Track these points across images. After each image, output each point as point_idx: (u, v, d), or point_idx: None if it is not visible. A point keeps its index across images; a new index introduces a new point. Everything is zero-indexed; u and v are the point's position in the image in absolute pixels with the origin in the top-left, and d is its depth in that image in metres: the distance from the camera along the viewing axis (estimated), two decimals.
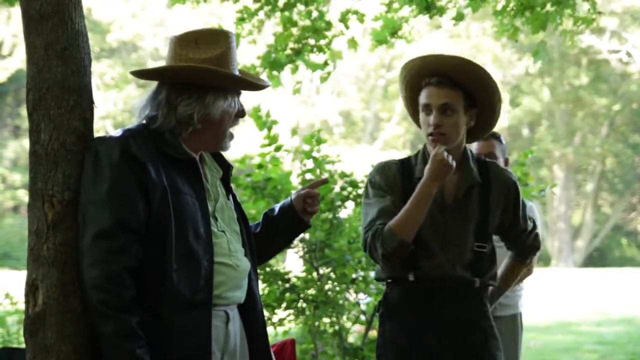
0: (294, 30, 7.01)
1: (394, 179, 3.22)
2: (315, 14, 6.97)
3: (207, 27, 2.70)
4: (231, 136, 2.67)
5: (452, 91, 3.10)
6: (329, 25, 7.00)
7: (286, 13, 6.96)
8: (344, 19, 7.03)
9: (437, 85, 3.11)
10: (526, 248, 3.45)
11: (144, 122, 2.57)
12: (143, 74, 2.67)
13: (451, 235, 3.16)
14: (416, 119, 3.27)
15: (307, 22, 7.00)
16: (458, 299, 3.16)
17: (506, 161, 4.81)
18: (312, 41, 7.04)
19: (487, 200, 3.21)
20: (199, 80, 2.53)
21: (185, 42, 2.57)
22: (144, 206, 2.39)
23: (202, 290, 2.46)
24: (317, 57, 7.12)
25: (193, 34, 2.59)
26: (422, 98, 3.16)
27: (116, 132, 2.51)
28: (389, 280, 3.25)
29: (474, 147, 4.75)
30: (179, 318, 2.40)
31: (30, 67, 2.49)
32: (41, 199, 2.42)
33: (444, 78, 3.10)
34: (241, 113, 2.66)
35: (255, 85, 2.69)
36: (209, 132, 2.59)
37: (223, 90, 2.57)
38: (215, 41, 2.57)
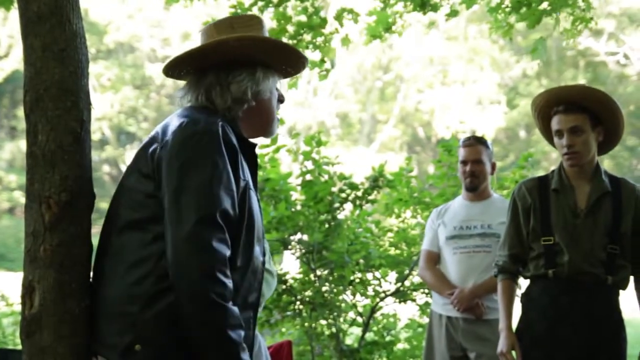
0: (289, 27, 7.02)
1: (530, 190, 3.73)
2: (310, 10, 6.98)
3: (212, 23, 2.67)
4: (277, 120, 2.67)
5: (578, 114, 3.56)
6: (324, 21, 7.00)
7: (280, 9, 6.97)
8: (339, 17, 7.04)
9: (564, 112, 3.58)
10: None
11: (205, 107, 2.49)
12: (184, 60, 2.52)
13: (583, 237, 3.56)
14: (552, 143, 3.74)
15: (303, 18, 7.01)
16: (591, 293, 3.54)
17: (493, 165, 4.81)
18: (307, 37, 7.04)
19: (618, 206, 3.61)
20: (248, 55, 2.50)
21: (222, 27, 2.57)
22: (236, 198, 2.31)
23: (255, 292, 2.41)
24: (313, 55, 7.12)
25: (228, 20, 2.61)
26: (554, 125, 3.63)
27: (207, 116, 2.38)
28: (532, 277, 3.69)
29: (460, 153, 4.76)
30: None
31: (27, 68, 2.48)
32: (38, 200, 2.41)
33: (569, 105, 3.57)
34: (282, 97, 2.67)
35: (298, 59, 2.65)
36: (260, 112, 2.56)
37: (269, 68, 2.56)
38: (250, 24, 2.58)
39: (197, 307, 2.16)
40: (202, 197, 2.21)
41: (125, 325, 2.23)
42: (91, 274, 2.45)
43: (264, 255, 2.48)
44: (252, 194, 2.41)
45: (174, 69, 2.59)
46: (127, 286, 2.26)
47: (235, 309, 2.20)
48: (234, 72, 2.50)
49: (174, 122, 2.38)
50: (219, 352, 2.17)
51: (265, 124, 2.62)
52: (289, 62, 2.65)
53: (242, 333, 2.21)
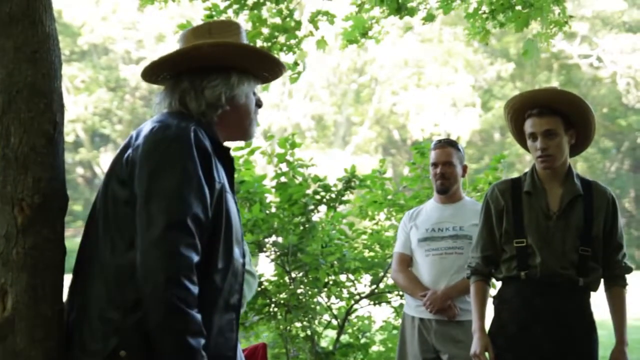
0: (264, 30, 7.01)
1: (503, 193, 3.75)
2: (285, 12, 6.98)
3: (189, 26, 2.68)
4: (257, 123, 2.67)
5: (552, 118, 3.58)
6: (298, 24, 7.01)
7: (255, 11, 6.97)
8: (313, 20, 7.04)
9: (538, 115, 3.60)
10: (621, 269, 3.72)
11: (180, 112, 2.48)
12: (159, 66, 2.53)
13: (555, 239, 3.59)
14: (524, 146, 3.77)
15: (277, 20, 7.01)
16: (563, 294, 3.57)
17: (464, 168, 4.84)
18: (281, 39, 7.04)
19: (590, 208, 3.65)
20: (223, 61, 2.51)
21: (199, 32, 2.58)
22: (209, 202, 2.31)
23: (236, 294, 2.43)
24: (287, 57, 7.12)
25: (206, 25, 2.62)
26: (527, 128, 3.66)
27: (180, 122, 2.38)
28: (505, 279, 3.72)
29: (431, 156, 4.79)
30: (216, 319, 2.33)
31: None
32: (11, 203, 2.39)
33: (543, 108, 3.59)
34: (260, 102, 2.67)
35: (275, 65, 2.65)
36: (236, 116, 2.57)
37: (245, 73, 2.57)
38: (227, 30, 2.59)
39: (159, 311, 2.16)
40: (172, 202, 2.22)
41: (109, 330, 2.23)
42: (68, 277, 2.45)
43: (243, 256, 2.49)
44: (229, 196, 2.42)
45: (150, 74, 2.58)
46: (109, 291, 2.26)
47: (198, 316, 2.20)
48: (208, 77, 2.50)
49: (147, 127, 2.39)
50: (177, 357, 2.17)
51: (242, 128, 2.63)
52: (265, 67, 2.65)
53: (202, 341, 2.20)
